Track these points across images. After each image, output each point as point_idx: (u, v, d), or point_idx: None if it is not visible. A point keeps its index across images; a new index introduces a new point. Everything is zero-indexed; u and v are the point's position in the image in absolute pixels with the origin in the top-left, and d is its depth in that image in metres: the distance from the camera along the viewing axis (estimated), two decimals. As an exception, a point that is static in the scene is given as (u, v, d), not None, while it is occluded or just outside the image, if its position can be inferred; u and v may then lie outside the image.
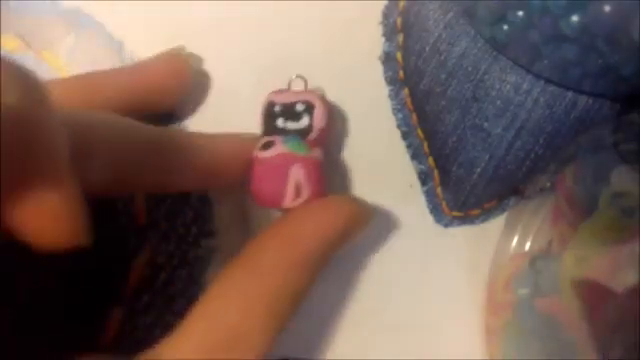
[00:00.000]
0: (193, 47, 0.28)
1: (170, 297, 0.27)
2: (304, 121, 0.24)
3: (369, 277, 0.27)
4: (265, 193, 0.24)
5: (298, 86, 0.26)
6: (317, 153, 0.24)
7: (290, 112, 0.24)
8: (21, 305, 0.26)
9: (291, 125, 0.24)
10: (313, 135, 0.24)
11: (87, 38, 0.28)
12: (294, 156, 0.23)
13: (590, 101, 0.24)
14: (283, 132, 0.24)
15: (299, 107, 0.24)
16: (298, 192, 0.23)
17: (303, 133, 0.24)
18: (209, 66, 0.28)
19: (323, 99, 0.25)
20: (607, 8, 0.20)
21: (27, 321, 0.26)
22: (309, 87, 0.26)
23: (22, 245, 0.17)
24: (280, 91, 0.25)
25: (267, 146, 0.24)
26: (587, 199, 0.22)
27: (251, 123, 0.25)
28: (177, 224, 0.27)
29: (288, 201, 0.23)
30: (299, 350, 0.26)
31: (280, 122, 0.24)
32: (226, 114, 0.27)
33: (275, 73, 0.27)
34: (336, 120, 0.27)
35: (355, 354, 0.26)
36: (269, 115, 0.25)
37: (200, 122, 0.27)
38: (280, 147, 0.24)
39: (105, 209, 0.27)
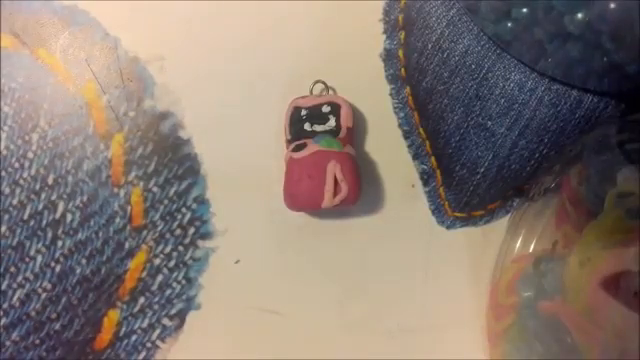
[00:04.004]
0: (187, 45, 0.27)
1: (167, 300, 0.26)
2: (331, 122, 0.25)
3: (370, 279, 0.26)
4: (303, 193, 0.24)
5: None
6: (350, 149, 0.25)
7: (316, 115, 0.25)
8: (16, 307, 0.26)
9: (318, 128, 0.25)
10: (342, 134, 0.25)
11: (82, 35, 0.28)
12: (329, 152, 0.24)
13: (595, 100, 0.23)
14: (312, 134, 0.25)
15: (325, 109, 0.25)
16: (337, 188, 0.24)
17: (332, 133, 0.25)
18: (205, 66, 0.27)
19: (346, 100, 0.26)
20: (612, 5, 0.20)
21: (22, 323, 0.26)
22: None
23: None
24: (303, 96, 0.26)
25: (300, 148, 0.25)
26: (592, 200, 0.22)
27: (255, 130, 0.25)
28: (174, 225, 0.27)
29: (327, 199, 0.24)
30: (300, 353, 0.26)
31: (307, 126, 0.25)
32: (230, 119, 0.27)
33: (274, 72, 0.27)
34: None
35: (356, 357, 0.26)
36: (296, 120, 0.25)
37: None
38: (314, 146, 0.24)
39: (101, 209, 0.26)
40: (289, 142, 0.26)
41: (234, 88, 0.27)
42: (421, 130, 0.26)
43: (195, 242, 0.27)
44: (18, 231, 0.26)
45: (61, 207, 0.27)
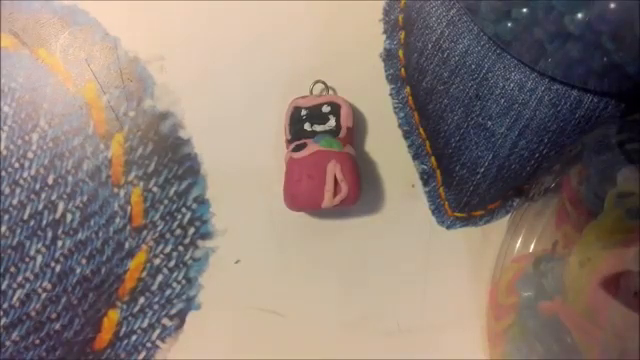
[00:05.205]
0: (187, 45, 0.27)
1: (167, 300, 0.26)
2: (331, 122, 0.25)
3: (370, 279, 0.26)
4: (303, 193, 0.24)
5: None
6: (350, 149, 0.25)
7: (316, 114, 0.25)
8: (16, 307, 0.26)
9: (319, 128, 0.25)
10: (342, 134, 0.25)
11: (82, 35, 0.28)
12: (329, 152, 0.24)
13: (595, 99, 0.23)
14: (312, 134, 0.25)
15: (325, 108, 0.25)
16: (337, 188, 0.24)
17: (332, 133, 0.25)
18: (205, 66, 0.27)
19: (346, 100, 0.26)
20: (612, 5, 0.20)
21: (22, 323, 0.26)
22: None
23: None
24: (303, 96, 0.26)
25: (300, 148, 0.25)
26: (592, 200, 0.22)
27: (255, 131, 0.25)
28: (174, 225, 0.27)
29: (327, 199, 0.24)
30: (300, 353, 0.26)
31: (307, 126, 0.25)
32: (230, 121, 0.27)
33: (274, 72, 0.27)
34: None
35: (356, 357, 0.26)
36: (296, 120, 0.25)
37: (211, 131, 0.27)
38: (314, 146, 0.24)
39: (101, 209, 0.26)
40: (289, 142, 0.26)
41: (234, 88, 0.27)
42: (421, 130, 0.26)
43: (195, 242, 0.26)
44: (18, 231, 0.26)
45: (61, 207, 0.27)
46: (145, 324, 0.26)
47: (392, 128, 0.27)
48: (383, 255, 0.26)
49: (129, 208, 0.27)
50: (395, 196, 0.27)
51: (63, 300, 0.26)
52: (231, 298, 0.26)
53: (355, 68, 0.27)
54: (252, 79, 0.27)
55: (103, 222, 0.26)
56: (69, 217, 0.26)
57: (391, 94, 0.27)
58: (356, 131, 0.26)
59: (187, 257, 0.26)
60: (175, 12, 0.28)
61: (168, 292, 0.26)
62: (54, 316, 0.26)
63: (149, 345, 0.26)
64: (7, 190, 0.26)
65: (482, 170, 0.25)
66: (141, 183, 0.27)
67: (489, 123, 0.24)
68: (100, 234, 0.26)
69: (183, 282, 0.26)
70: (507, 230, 0.25)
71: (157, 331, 0.26)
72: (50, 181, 0.27)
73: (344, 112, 0.25)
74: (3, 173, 0.27)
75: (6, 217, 0.26)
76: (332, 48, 0.27)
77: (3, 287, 0.26)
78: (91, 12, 0.28)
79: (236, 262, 0.27)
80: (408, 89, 0.26)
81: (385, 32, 0.27)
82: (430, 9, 0.25)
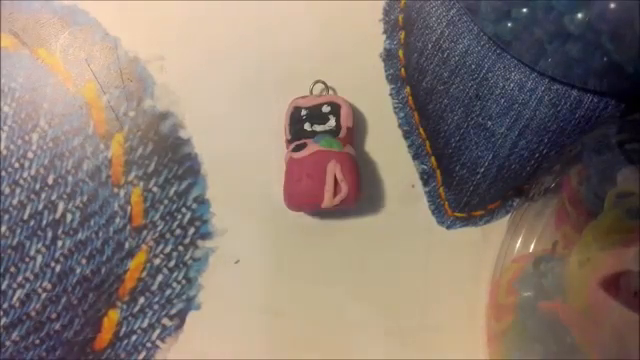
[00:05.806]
0: (187, 45, 0.27)
1: (167, 300, 0.26)
2: (331, 122, 0.25)
3: (370, 279, 0.26)
4: (303, 193, 0.24)
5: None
6: (350, 149, 0.25)
7: (316, 114, 0.25)
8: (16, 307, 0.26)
9: (318, 128, 0.25)
10: (342, 134, 0.25)
11: (82, 35, 0.28)
12: (329, 152, 0.24)
13: (595, 100, 0.23)
14: (312, 134, 0.25)
15: (325, 108, 0.25)
16: (337, 188, 0.24)
17: (332, 133, 0.25)
18: (205, 66, 0.27)
19: (346, 100, 0.26)
20: (612, 5, 0.20)
21: (22, 323, 0.26)
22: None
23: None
24: (303, 96, 0.26)
25: (300, 148, 0.25)
26: (592, 200, 0.22)
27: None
28: (174, 225, 0.27)
29: (327, 199, 0.24)
30: (300, 353, 0.26)
31: (307, 126, 0.25)
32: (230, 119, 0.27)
33: (274, 72, 0.27)
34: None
35: (356, 357, 0.26)
36: (296, 120, 0.25)
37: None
38: (314, 146, 0.24)
39: (101, 209, 0.26)
40: (289, 142, 0.26)
41: (234, 88, 0.27)
42: (421, 130, 0.26)
43: (195, 242, 0.27)
44: (18, 231, 0.26)
45: (61, 207, 0.27)
46: (145, 324, 0.26)
47: (392, 128, 0.27)
48: (383, 255, 0.26)
49: (129, 208, 0.27)
50: (395, 196, 0.27)
51: (63, 300, 0.26)
52: (231, 298, 0.26)
53: (355, 68, 0.27)
54: (252, 79, 0.27)
55: (103, 222, 0.26)
56: (69, 217, 0.26)
57: (391, 94, 0.27)
58: (356, 131, 0.26)
59: (187, 257, 0.26)
60: (175, 12, 0.28)
61: (168, 292, 0.26)
62: (54, 316, 0.26)
63: (149, 345, 0.26)
64: (7, 190, 0.26)
65: (482, 170, 0.25)
66: (141, 183, 0.27)
67: (489, 123, 0.24)
68: (100, 234, 0.26)
69: (183, 282, 0.26)
70: (507, 230, 0.25)
71: (157, 331, 0.26)
72: (50, 181, 0.27)
73: (344, 112, 0.25)
74: (3, 173, 0.27)
75: (6, 217, 0.26)
76: (332, 48, 0.27)
77: (3, 287, 0.26)
78: (91, 12, 0.28)
79: (236, 262, 0.27)
80: (408, 89, 0.26)
81: (385, 32, 0.27)
82: (430, 9, 0.25)
